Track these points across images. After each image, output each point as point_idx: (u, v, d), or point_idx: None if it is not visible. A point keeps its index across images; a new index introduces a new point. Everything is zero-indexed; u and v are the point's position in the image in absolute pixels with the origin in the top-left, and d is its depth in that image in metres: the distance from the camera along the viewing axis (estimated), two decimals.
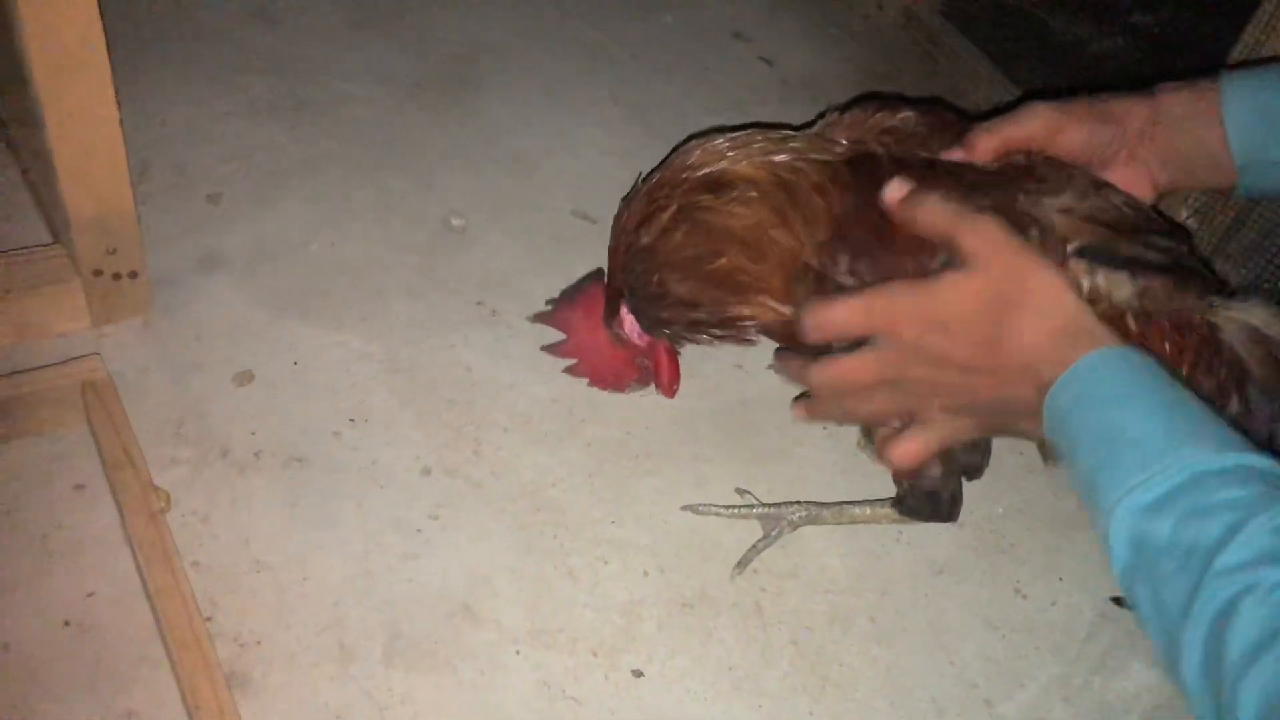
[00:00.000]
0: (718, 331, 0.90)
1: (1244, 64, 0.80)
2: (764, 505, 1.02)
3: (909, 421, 0.77)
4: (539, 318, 1.12)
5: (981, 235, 0.68)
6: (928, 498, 0.94)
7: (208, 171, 1.25)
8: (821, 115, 0.92)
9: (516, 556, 0.96)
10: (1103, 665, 0.98)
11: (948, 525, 0.99)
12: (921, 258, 0.75)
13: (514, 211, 1.29)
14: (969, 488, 0.96)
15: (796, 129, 0.90)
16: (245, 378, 1.05)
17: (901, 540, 1.04)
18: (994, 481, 1.05)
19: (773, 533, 1.00)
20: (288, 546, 0.92)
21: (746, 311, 0.87)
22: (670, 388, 1.04)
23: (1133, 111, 0.79)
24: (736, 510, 1.02)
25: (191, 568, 0.88)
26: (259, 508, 0.95)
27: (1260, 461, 0.56)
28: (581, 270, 1.24)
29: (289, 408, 1.03)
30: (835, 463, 1.10)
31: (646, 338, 0.99)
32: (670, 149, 1.44)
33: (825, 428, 1.13)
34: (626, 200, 0.94)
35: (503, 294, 1.19)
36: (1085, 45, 1.87)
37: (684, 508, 1.02)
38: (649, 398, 1.12)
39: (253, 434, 1.00)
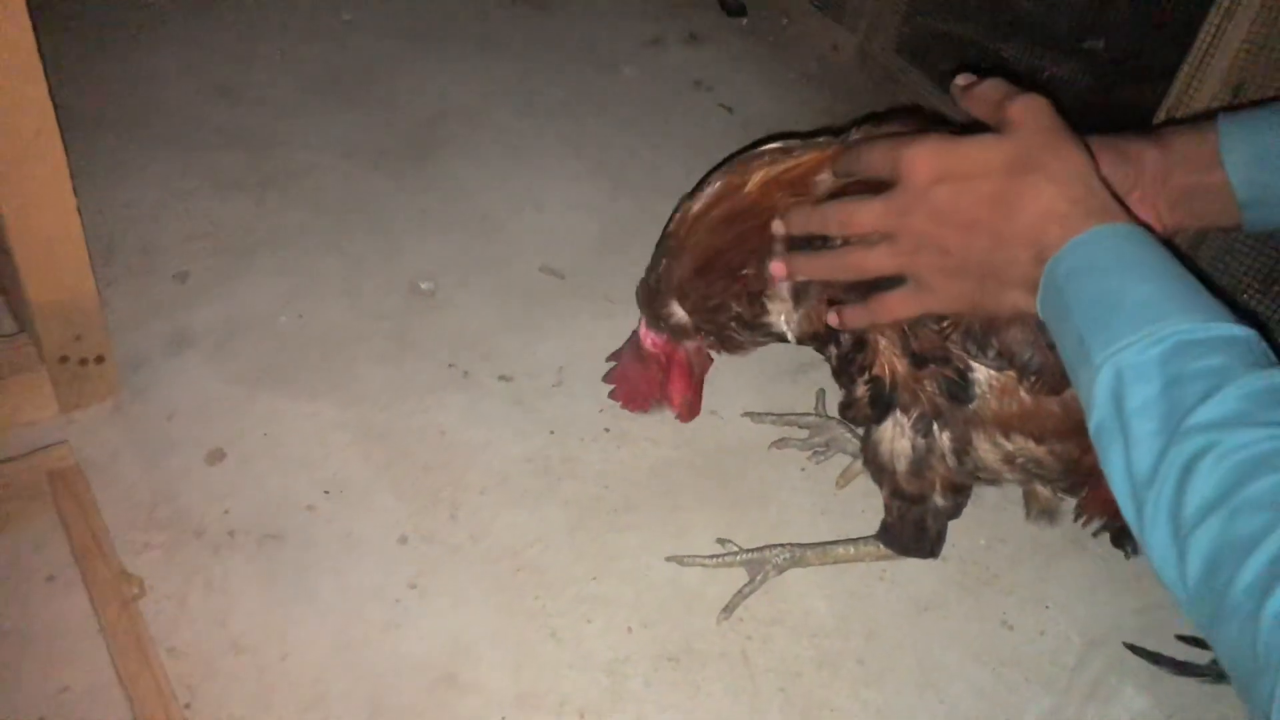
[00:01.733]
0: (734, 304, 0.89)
1: (1232, 110, 0.82)
2: (747, 551, 1.02)
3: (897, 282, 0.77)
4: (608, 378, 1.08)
5: (1026, 105, 0.69)
6: (915, 528, 0.94)
7: (174, 250, 1.25)
8: (857, 124, 0.90)
9: (498, 620, 0.95)
10: (1094, 694, 0.97)
11: (930, 561, 0.99)
12: None
13: (482, 272, 1.30)
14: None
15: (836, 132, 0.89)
16: (217, 455, 1.04)
17: (885, 579, 1.04)
18: (974, 514, 1.05)
19: (758, 577, 1.00)
20: (266, 625, 0.91)
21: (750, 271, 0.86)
22: (678, 400, 1.02)
23: (1147, 154, 0.80)
24: (720, 559, 1.02)
25: (168, 654, 0.86)
26: (235, 588, 0.94)
27: (1244, 332, 0.57)
28: (553, 326, 1.24)
29: (262, 483, 1.03)
30: (815, 504, 1.10)
31: (661, 346, 0.99)
32: (635, 199, 1.45)
33: (803, 469, 1.13)
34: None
35: (474, 355, 1.19)
36: (1039, 73, 1.90)
37: (668, 559, 1.02)
38: (624, 449, 1.12)
39: (226, 513, 0.99)
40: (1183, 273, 0.63)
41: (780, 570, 1.01)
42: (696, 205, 0.89)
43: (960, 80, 0.76)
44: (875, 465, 0.91)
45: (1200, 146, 0.79)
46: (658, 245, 0.95)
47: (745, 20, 1.85)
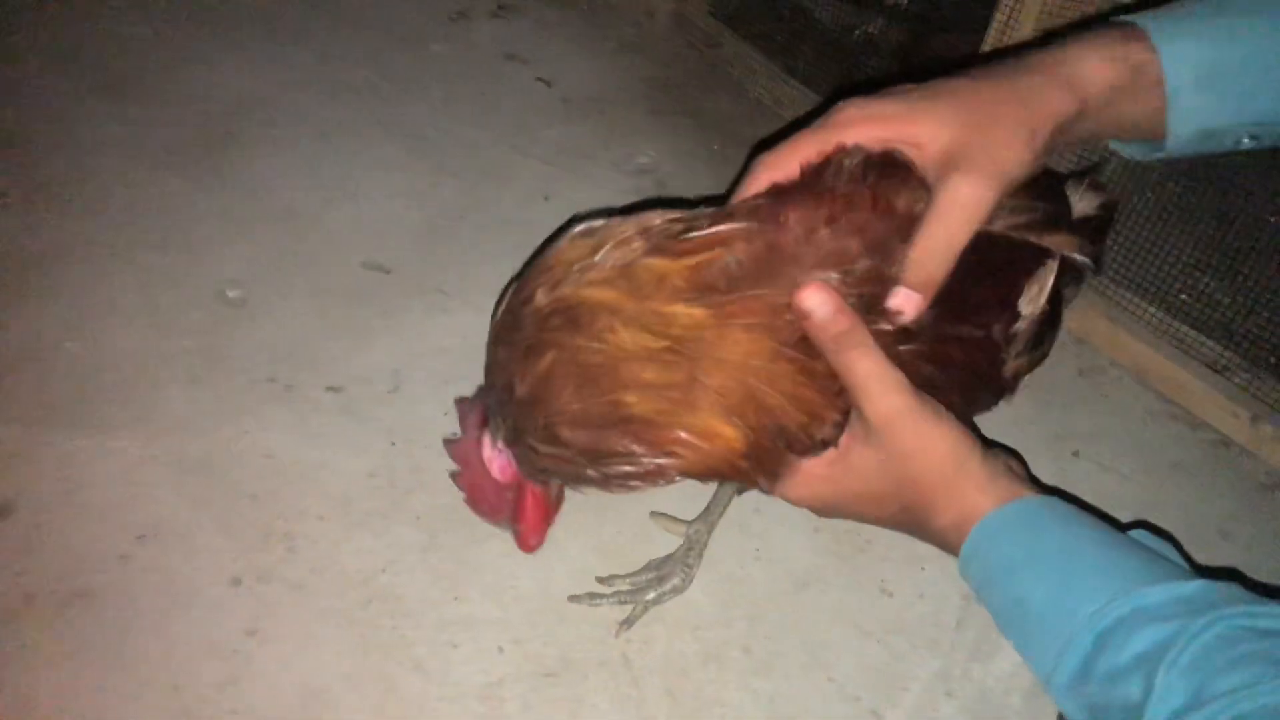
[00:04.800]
0: (633, 479, 0.71)
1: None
2: (650, 571, 0.94)
3: None
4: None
5: (881, 411, 0.65)
6: None
7: None
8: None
9: (353, 659, 0.86)
10: (978, 651, 0.97)
11: (804, 534, 0.95)
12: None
13: (297, 273, 1.18)
14: None
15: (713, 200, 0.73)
16: (4, 511, 0.90)
17: (761, 558, 1.00)
18: None
19: (666, 588, 0.93)
20: (80, 702, 0.79)
21: (664, 462, 0.69)
22: (529, 538, 0.84)
23: (1056, 103, 0.64)
24: (625, 595, 0.93)
25: None
26: (39, 661, 0.81)
27: (1151, 596, 0.55)
28: (382, 326, 1.15)
29: (63, 536, 0.90)
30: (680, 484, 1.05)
31: (510, 476, 0.80)
32: (459, 182, 1.36)
33: None
34: (497, 311, 0.74)
35: (296, 365, 1.08)
36: (851, 30, 1.90)
37: (571, 599, 0.93)
38: None
39: (19, 575, 0.86)
40: (1072, 542, 0.61)
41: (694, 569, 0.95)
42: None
43: (813, 302, 0.64)
44: None
45: (1131, 77, 0.66)
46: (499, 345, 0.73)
47: None
